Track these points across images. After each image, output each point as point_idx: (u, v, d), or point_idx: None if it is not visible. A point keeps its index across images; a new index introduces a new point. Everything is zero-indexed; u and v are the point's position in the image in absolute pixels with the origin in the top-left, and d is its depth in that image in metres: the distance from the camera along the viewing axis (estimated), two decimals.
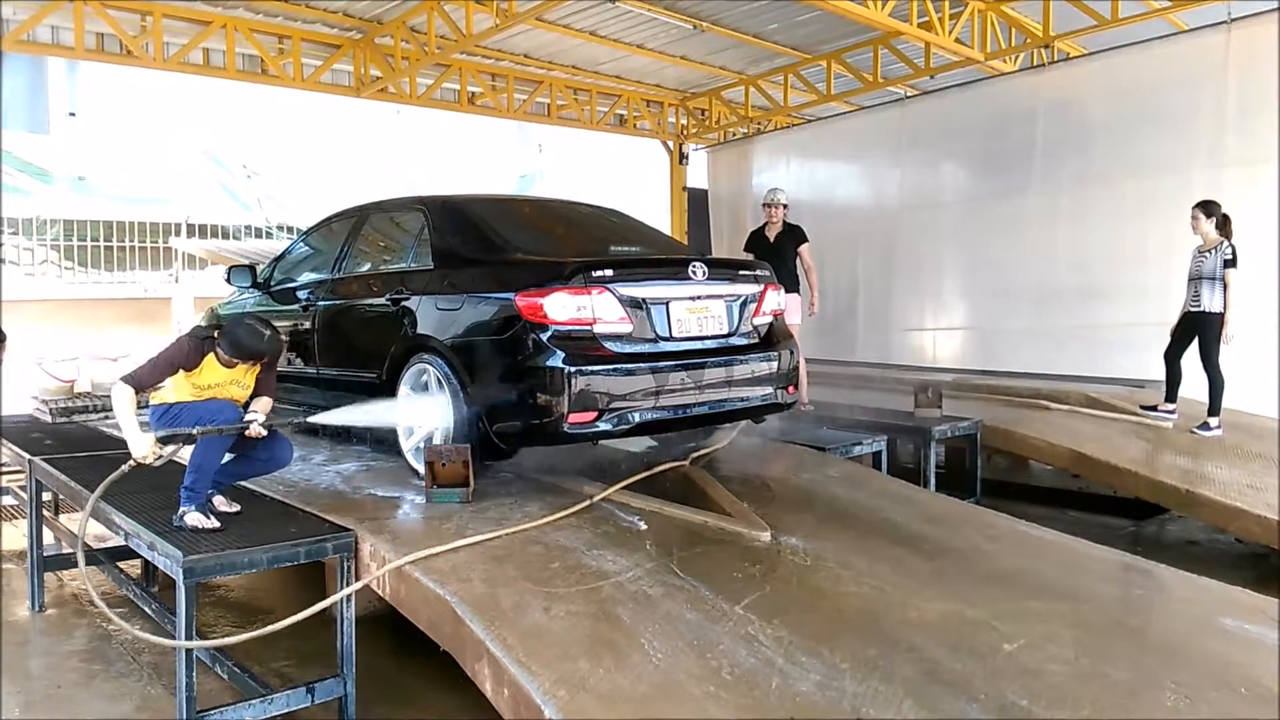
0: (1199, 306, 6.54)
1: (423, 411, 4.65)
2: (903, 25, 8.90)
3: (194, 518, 3.82)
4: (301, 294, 5.70)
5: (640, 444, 5.40)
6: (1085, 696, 2.79)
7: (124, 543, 4.17)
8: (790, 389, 5.00)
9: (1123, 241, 8.44)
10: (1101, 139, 8.62)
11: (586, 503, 4.24)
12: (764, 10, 9.76)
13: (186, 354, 3.92)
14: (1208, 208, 6.58)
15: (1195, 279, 6.59)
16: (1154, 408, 6.93)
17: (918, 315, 10.36)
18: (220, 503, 4.07)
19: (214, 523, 3.84)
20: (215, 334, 4.00)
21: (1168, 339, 6.87)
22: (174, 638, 3.58)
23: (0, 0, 7.47)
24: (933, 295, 10.27)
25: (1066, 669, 2.96)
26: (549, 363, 4.14)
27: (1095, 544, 4.40)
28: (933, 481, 6.18)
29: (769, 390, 4.84)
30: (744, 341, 4.76)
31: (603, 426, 4.23)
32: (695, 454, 5.12)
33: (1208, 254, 6.54)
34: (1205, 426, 6.63)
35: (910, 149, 10.37)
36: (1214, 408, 6.63)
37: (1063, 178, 8.92)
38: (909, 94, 11.64)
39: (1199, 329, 6.57)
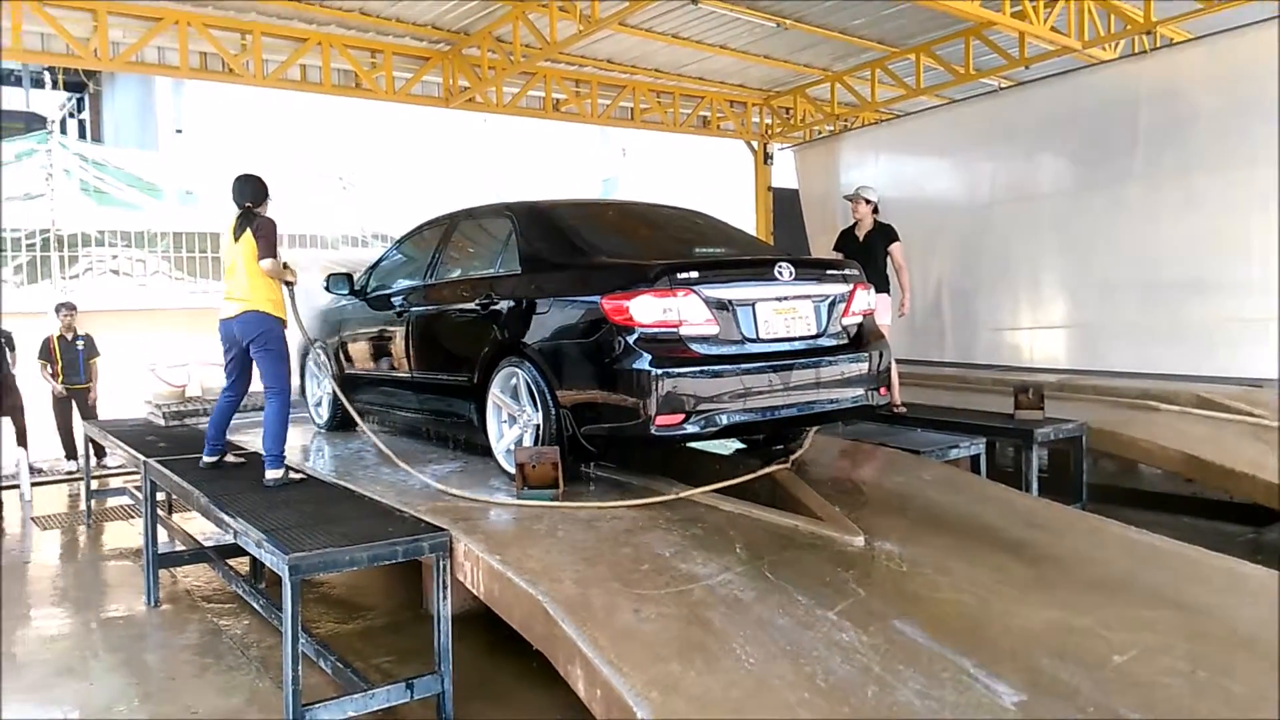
0: None
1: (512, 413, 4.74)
2: (995, 15, 8.65)
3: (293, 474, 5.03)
4: (396, 300, 5.85)
5: (730, 446, 5.37)
6: (1202, 711, 2.66)
7: (233, 540, 4.34)
8: (882, 390, 4.90)
9: (1230, 233, 8.01)
10: (1207, 127, 8.19)
11: (670, 497, 4.27)
12: (849, 5, 9.61)
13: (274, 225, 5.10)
14: None
15: None
16: None
17: (1013, 313, 10.03)
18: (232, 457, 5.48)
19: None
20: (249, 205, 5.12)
21: None
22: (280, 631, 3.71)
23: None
24: (1029, 292, 9.93)
25: (1181, 682, 2.82)
26: (635, 365, 4.15)
27: (1210, 551, 4.17)
28: (1035, 486, 5.98)
29: (859, 392, 4.75)
30: (833, 342, 4.69)
31: (690, 429, 4.21)
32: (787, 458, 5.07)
33: None
34: None
35: (1004, 141, 10.05)
36: None
37: (1166, 168, 8.52)
38: (1003, 85, 11.30)
39: None
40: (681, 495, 4.40)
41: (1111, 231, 8.96)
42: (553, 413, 4.45)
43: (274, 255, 4.98)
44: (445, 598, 3.80)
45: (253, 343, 5.04)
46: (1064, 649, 3.00)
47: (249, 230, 5.03)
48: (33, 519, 7.97)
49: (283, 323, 5.09)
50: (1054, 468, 6.69)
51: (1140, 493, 7.23)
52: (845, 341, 4.75)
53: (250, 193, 5.15)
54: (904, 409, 6.75)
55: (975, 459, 6.00)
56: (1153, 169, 8.64)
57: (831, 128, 13.09)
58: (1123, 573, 3.82)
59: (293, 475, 4.98)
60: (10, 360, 9.61)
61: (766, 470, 4.76)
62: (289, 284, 5.17)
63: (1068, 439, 6.32)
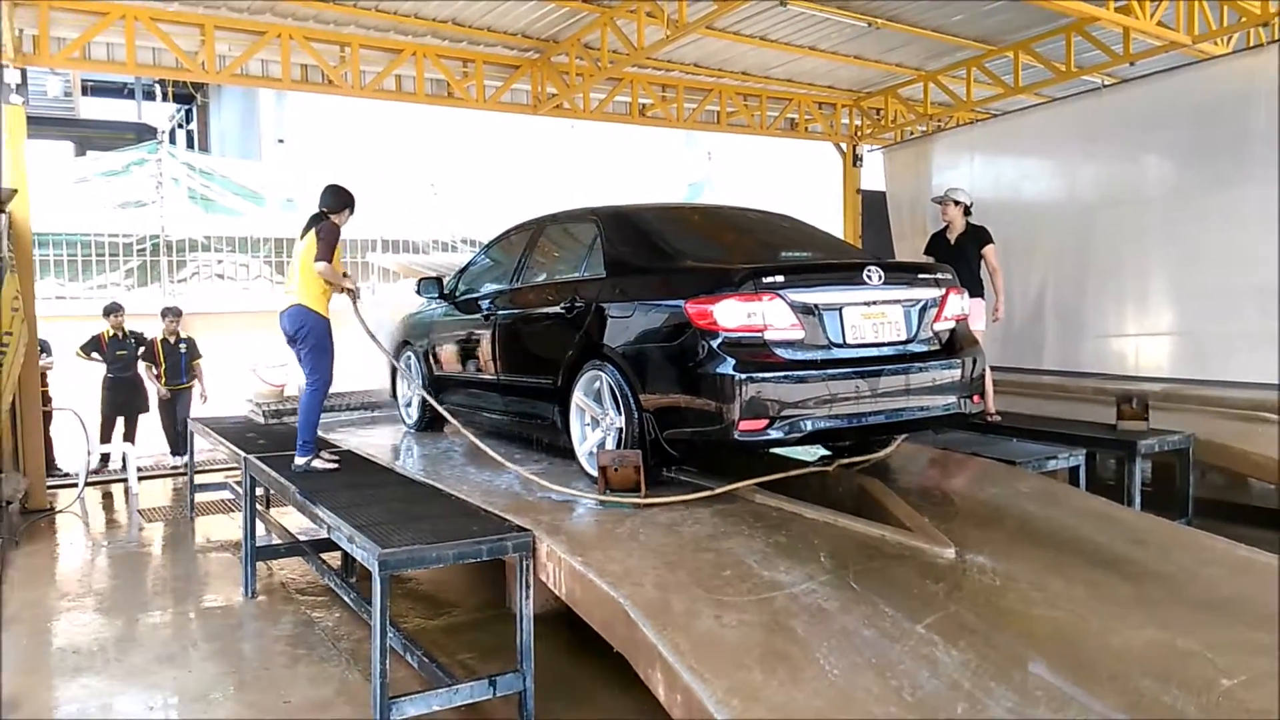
0: None
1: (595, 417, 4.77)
2: (1098, 10, 8.32)
3: (318, 461, 5.42)
4: (483, 304, 5.95)
5: (814, 453, 5.29)
6: None
7: (326, 535, 4.47)
8: (975, 398, 4.76)
9: None
10: None
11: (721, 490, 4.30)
12: (945, 3, 9.36)
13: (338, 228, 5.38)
14: None
15: None
16: None
17: (1116, 319, 9.61)
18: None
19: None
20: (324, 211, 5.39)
21: None
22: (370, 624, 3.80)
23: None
24: (1134, 297, 9.49)
25: None
26: (719, 370, 4.12)
27: None
28: (1138, 500, 5.72)
29: (951, 399, 4.63)
30: (924, 348, 4.58)
31: (774, 434, 4.18)
32: (847, 460, 5.00)
33: None
34: None
35: (1107, 141, 9.64)
36: None
37: None
38: (1106, 83, 10.86)
39: None
40: (725, 489, 4.43)
41: (1223, 235, 8.50)
42: (635, 416, 4.46)
43: (329, 259, 5.23)
44: (528, 597, 3.83)
45: (294, 335, 5.39)
46: (1167, 671, 2.85)
47: (313, 231, 5.33)
48: (139, 511, 8.36)
49: (324, 319, 5.37)
50: (1158, 481, 6.40)
51: (1251, 509, 6.85)
52: (937, 347, 4.63)
53: (328, 200, 5.48)
54: (998, 417, 6.55)
55: (1074, 471, 5.77)
56: (1268, 169, 8.18)
57: (924, 128, 12.79)
58: (1231, 593, 3.62)
59: (317, 465, 5.40)
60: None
61: (812, 469, 4.80)
62: (349, 292, 5.43)
63: (1173, 451, 6.04)
